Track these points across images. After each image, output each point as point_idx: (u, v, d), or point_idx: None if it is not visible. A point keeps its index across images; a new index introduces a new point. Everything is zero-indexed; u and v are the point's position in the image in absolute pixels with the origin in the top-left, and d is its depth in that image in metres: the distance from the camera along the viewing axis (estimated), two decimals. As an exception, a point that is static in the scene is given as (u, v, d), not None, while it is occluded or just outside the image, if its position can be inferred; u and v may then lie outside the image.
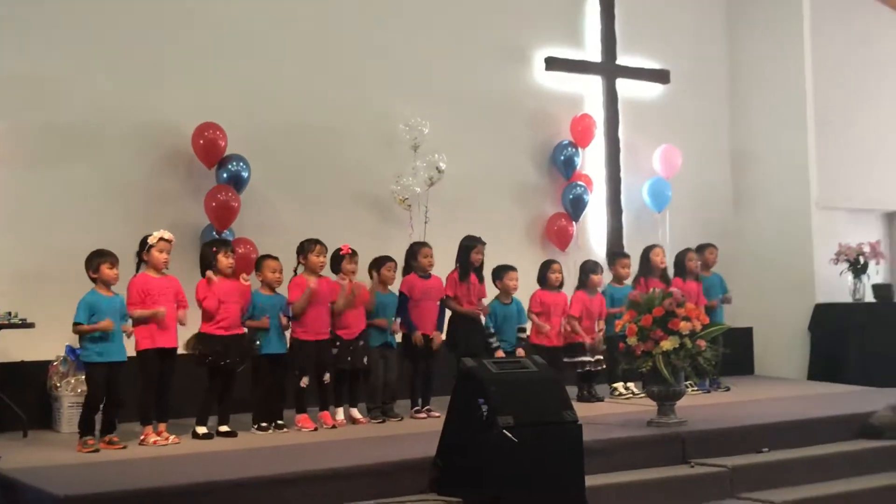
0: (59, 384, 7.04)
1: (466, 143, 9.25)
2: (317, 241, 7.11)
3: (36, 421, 6.99)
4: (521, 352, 7.64)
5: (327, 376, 7.08)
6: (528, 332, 8.00)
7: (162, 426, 6.44)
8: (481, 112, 9.46)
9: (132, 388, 6.38)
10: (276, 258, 7.06)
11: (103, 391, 6.25)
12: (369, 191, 8.81)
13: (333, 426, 6.99)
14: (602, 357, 8.21)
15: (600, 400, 8.16)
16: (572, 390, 7.64)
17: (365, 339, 7.26)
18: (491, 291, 8.02)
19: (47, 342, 7.08)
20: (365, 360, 7.23)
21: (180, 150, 8.06)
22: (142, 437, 6.33)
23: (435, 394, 7.55)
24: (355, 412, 7.25)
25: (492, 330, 7.76)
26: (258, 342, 6.83)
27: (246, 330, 6.82)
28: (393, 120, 8.72)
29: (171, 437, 6.37)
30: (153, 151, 8.04)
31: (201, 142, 7.98)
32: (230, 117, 8.13)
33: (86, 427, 6.21)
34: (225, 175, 8.06)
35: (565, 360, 8.10)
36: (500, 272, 7.97)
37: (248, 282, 6.82)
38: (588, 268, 8.48)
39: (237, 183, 8.08)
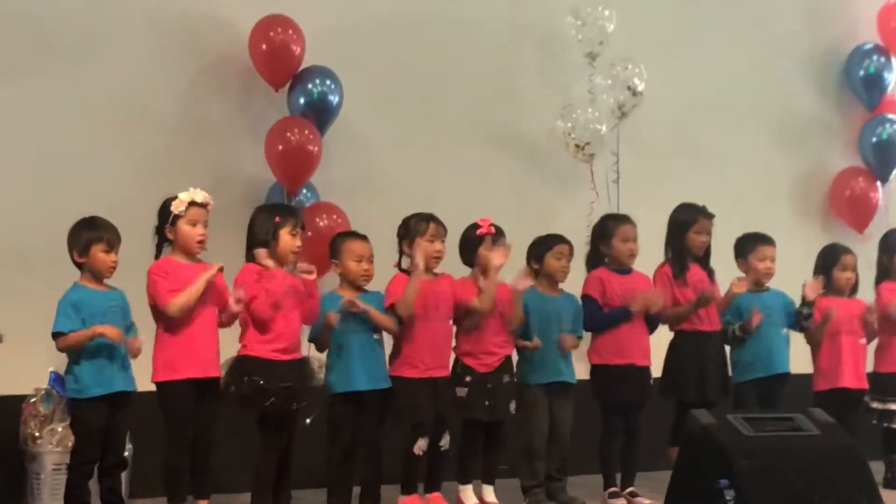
0: (38, 434, 7.14)
1: (681, 45, 9.35)
2: (429, 218, 7.20)
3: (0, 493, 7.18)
4: None
5: (446, 439, 7.17)
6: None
7: (202, 505, 6.68)
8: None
9: (147, 443, 6.58)
10: (363, 237, 7.12)
11: (99, 443, 6.36)
12: (518, 129, 8.97)
13: (459, 517, 7.24)
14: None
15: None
16: (878, 466, 7.71)
17: (511, 371, 7.38)
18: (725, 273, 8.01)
19: (23, 366, 7.18)
20: (512, 406, 7.28)
21: (231, 60, 8.23)
22: (172, 526, 6.55)
23: (643, 467, 7.64)
24: (490, 494, 7.33)
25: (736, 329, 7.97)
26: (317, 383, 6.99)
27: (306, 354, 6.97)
28: (557, 9, 8.86)
29: (218, 527, 6.70)
30: (188, 62, 8.19)
31: (264, 47, 8.15)
32: (309, 10, 8.27)
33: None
34: (302, 101, 8.21)
35: (872, 404, 8.27)
36: (746, 246, 8.14)
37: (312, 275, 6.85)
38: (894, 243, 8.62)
39: (322, 113, 8.23)
